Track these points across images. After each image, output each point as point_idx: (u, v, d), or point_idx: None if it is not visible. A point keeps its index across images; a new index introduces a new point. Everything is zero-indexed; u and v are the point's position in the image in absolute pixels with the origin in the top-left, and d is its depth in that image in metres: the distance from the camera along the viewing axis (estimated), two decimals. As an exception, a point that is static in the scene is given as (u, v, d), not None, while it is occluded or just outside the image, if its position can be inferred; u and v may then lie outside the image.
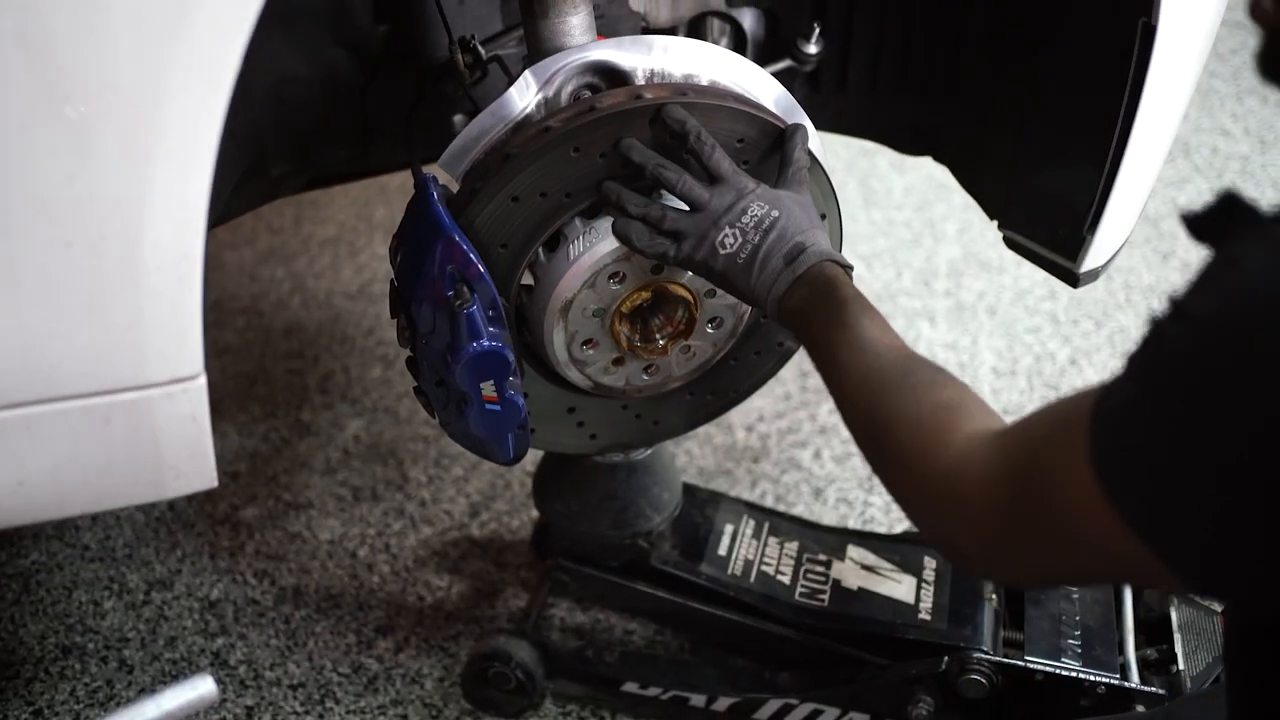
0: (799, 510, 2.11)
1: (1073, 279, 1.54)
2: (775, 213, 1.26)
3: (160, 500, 1.19)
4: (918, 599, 1.66)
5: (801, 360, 2.47)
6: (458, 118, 1.62)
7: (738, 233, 1.25)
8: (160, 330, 1.03)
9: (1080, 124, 1.46)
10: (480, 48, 1.53)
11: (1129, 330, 2.57)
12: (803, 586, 1.70)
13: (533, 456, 1.87)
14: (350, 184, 1.83)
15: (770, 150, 1.37)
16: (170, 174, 0.96)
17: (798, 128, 1.36)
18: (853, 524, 2.09)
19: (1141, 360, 0.81)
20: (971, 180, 1.70)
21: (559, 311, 1.37)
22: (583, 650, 1.73)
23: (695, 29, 1.80)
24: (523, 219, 1.33)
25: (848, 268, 1.25)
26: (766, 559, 1.73)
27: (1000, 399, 2.39)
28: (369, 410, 2.33)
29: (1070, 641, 1.58)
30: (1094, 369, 2.47)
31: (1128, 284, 2.72)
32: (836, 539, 1.78)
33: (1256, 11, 0.89)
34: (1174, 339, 0.79)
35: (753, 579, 1.70)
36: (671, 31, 1.79)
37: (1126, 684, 1.53)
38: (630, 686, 1.68)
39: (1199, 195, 3.03)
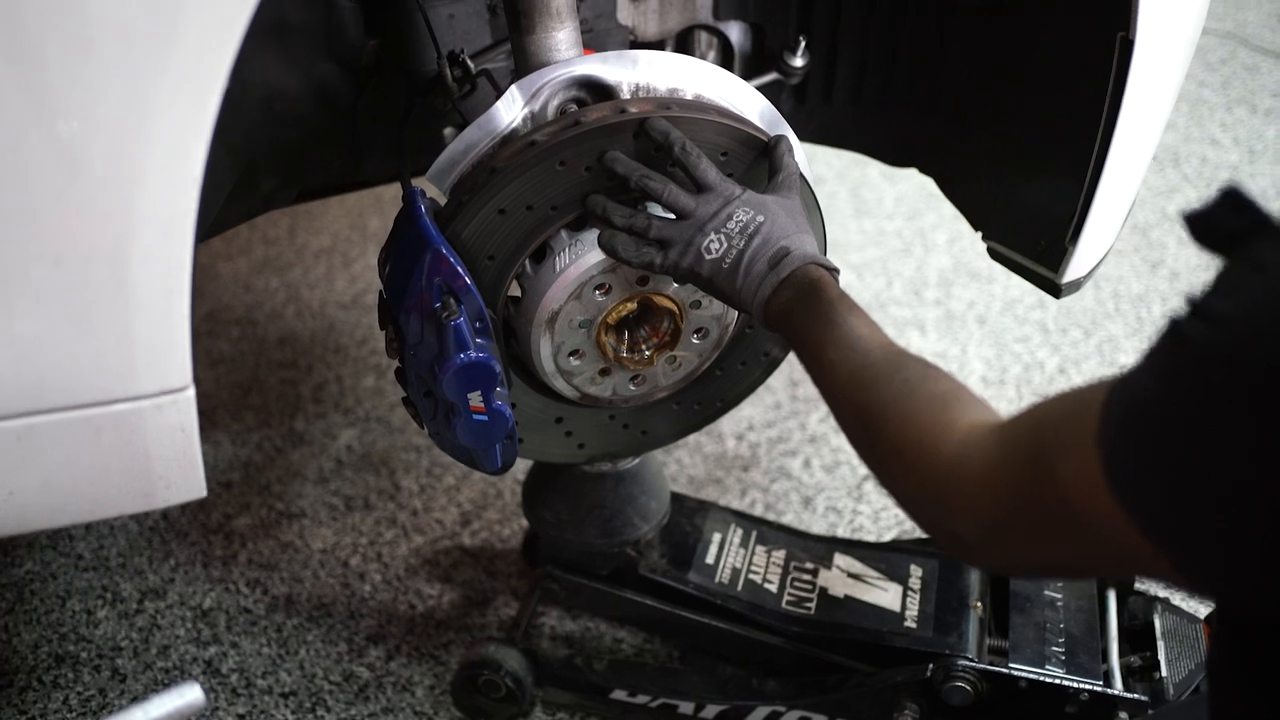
0: (788, 519, 2.13)
1: (1055, 290, 1.56)
2: (760, 218, 1.27)
3: (150, 510, 1.20)
4: (903, 607, 1.68)
5: (791, 370, 2.49)
6: (448, 130, 1.63)
7: (723, 238, 1.26)
8: (149, 343, 1.04)
9: (1061, 136, 1.48)
10: (469, 61, 1.55)
11: (1118, 339, 2.59)
12: (789, 594, 1.71)
13: (523, 465, 1.88)
14: (344, 195, 1.85)
15: (755, 161, 1.38)
16: (158, 190, 0.97)
17: (781, 137, 1.37)
18: (841, 532, 2.11)
19: (1162, 356, 0.80)
20: (955, 191, 1.71)
21: (546, 323, 1.38)
22: (571, 658, 1.75)
23: (683, 42, 1.83)
24: (509, 231, 1.34)
25: (833, 270, 1.26)
26: (754, 567, 1.75)
27: (989, 407, 2.40)
28: (362, 420, 2.35)
29: (1054, 649, 1.60)
30: (1082, 377, 2.48)
31: (1116, 293, 2.74)
32: (824, 547, 1.79)
33: None
34: (1198, 339, 0.78)
35: (740, 587, 1.71)
36: (660, 44, 1.81)
37: (1110, 691, 1.55)
38: (619, 694, 1.69)
39: (1187, 204, 3.05)
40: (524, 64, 1.41)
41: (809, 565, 1.75)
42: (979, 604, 1.67)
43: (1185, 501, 0.79)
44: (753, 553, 1.77)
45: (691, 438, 2.30)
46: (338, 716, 1.78)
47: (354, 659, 1.87)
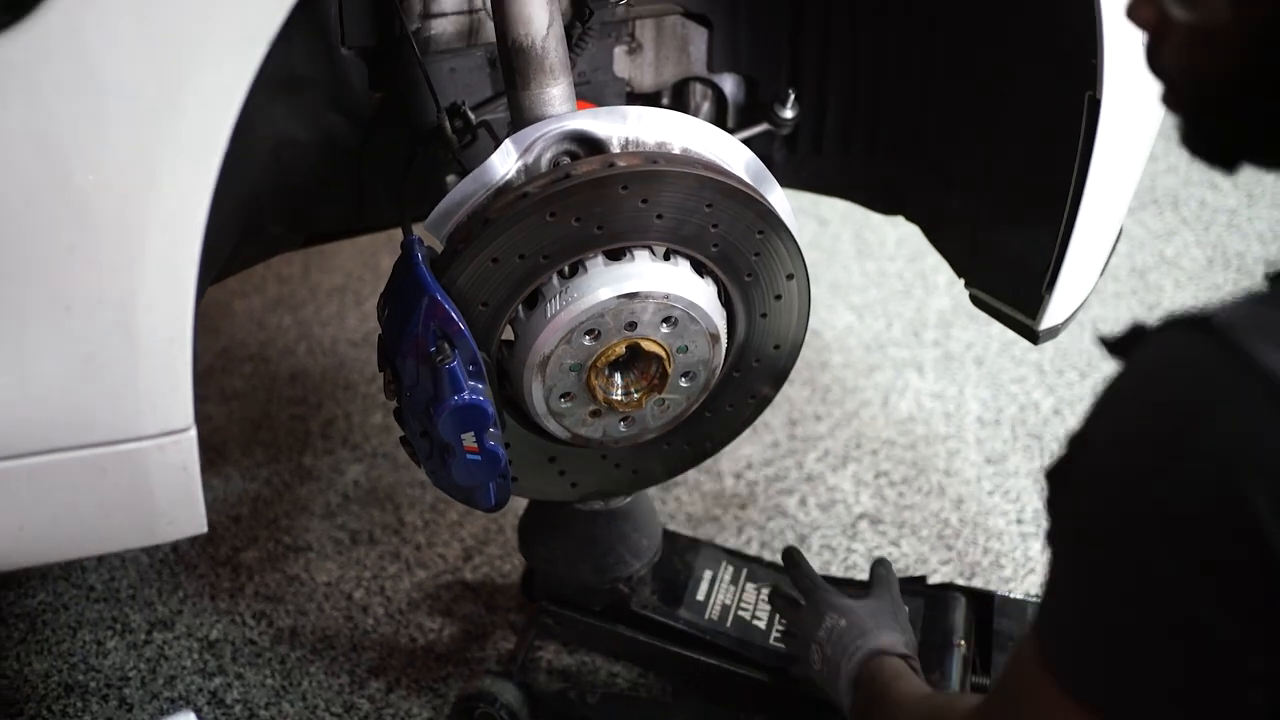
0: (783, 556, 2.17)
1: (1033, 336, 1.61)
2: (842, 622, 1.48)
3: (152, 545, 1.26)
4: (889, 644, 1.71)
5: (790, 410, 2.54)
6: (450, 178, 1.70)
7: (816, 648, 1.48)
8: (153, 386, 1.10)
9: (1035, 189, 1.54)
10: (470, 113, 1.61)
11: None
12: (777, 630, 1.75)
13: (522, 502, 1.93)
14: (372, 234, 1.92)
15: (739, 213, 1.43)
16: (162, 244, 1.04)
17: (883, 561, 1.64)
18: (835, 570, 2.15)
19: (1051, 532, 0.88)
20: (939, 239, 1.77)
21: (538, 366, 1.44)
22: (565, 692, 1.79)
23: (679, 94, 1.89)
24: (502, 279, 1.40)
25: (902, 655, 1.42)
26: (743, 604, 1.79)
27: (985, 448, 2.44)
28: (369, 456, 2.41)
29: (1035, 686, 1.63)
30: (1076, 418, 2.52)
31: (1113, 335, 2.77)
32: (812, 585, 1.83)
33: (1135, 13, 0.93)
34: (1068, 495, 0.85)
35: (729, 623, 1.76)
36: (656, 96, 1.87)
37: (1089, 728, 1.58)
38: (611, 727, 1.73)
39: (1185, 248, 3.09)
40: (519, 118, 1.48)
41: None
42: (963, 642, 1.71)
43: (1123, 668, 0.82)
44: (743, 590, 1.81)
45: (690, 476, 2.35)
46: (338, 746, 1.83)
47: (355, 691, 1.92)
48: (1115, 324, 2.80)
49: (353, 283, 2.95)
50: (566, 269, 1.42)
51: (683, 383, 1.51)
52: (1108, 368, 2.63)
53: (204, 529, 1.23)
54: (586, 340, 1.43)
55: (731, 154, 1.50)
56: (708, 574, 1.83)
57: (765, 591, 1.82)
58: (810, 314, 1.57)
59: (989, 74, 1.57)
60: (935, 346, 2.75)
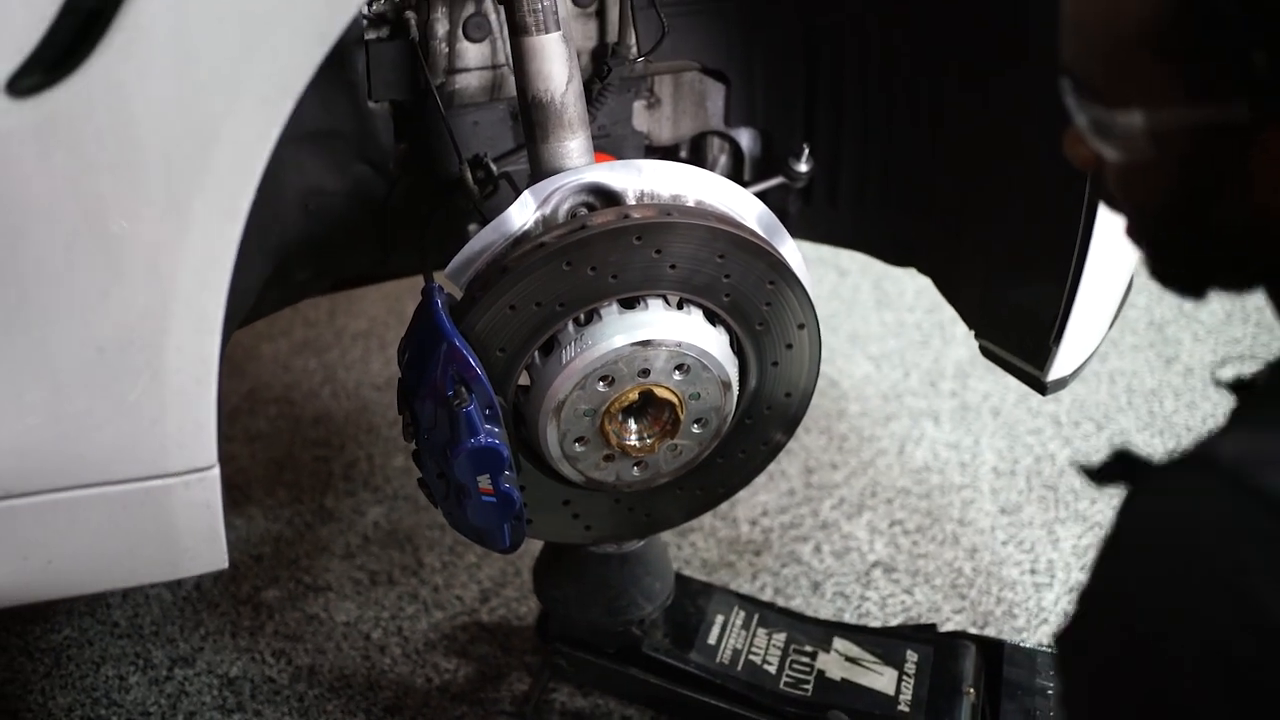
0: (797, 603, 2.19)
1: (1041, 387, 1.63)
2: None
3: (175, 579, 1.30)
4: (898, 691, 1.73)
5: (807, 458, 2.56)
6: (472, 227, 1.75)
7: None
8: (179, 426, 1.15)
9: (1042, 244, 1.57)
10: (492, 165, 1.67)
11: (1129, 433, 2.64)
12: (788, 676, 1.77)
13: (538, 546, 1.96)
14: (396, 280, 1.97)
15: (750, 264, 1.47)
16: (190, 289, 1.09)
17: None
18: (848, 617, 2.16)
19: (1064, 695, 0.83)
20: (950, 291, 1.80)
21: (553, 411, 1.48)
22: (578, 733, 1.81)
23: (696, 148, 1.94)
24: (519, 325, 1.44)
25: None
26: (754, 649, 1.81)
27: (1000, 498, 2.46)
28: (389, 498, 2.44)
29: (1044, 736, 1.64)
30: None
31: (1130, 387, 2.79)
32: (823, 631, 1.85)
33: (1070, 153, 0.96)
34: (1083, 658, 0.80)
35: (740, 667, 1.78)
36: (674, 149, 1.92)
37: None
38: (622, 770, 1.75)
39: (1205, 302, 3.11)
40: (538, 170, 1.52)
41: (808, 648, 1.81)
42: (972, 690, 1.72)
43: None
44: (754, 634, 1.83)
45: (706, 521, 2.37)
46: (352, 785, 1.85)
47: (371, 729, 1.94)
48: (1132, 376, 2.82)
49: (377, 327, 3.00)
50: (582, 316, 1.46)
51: (695, 429, 1.54)
52: (1125, 420, 2.65)
53: (225, 564, 1.26)
54: (601, 386, 1.47)
55: (744, 206, 1.54)
56: (720, 618, 1.85)
57: (778, 636, 1.84)
58: (821, 363, 1.60)
59: (996, 130, 1.61)
60: (952, 397, 2.77)
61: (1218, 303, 3.10)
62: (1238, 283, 0.93)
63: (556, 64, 1.47)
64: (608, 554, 1.73)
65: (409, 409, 1.47)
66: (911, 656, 1.79)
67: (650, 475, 1.58)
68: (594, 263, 1.42)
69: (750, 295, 1.50)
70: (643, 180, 1.49)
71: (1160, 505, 0.79)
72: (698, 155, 1.94)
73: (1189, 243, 0.91)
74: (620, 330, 1.45)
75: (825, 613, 2.16)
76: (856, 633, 1.85)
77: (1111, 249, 1.52)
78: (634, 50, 1.71)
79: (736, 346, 1.54)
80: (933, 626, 1.91)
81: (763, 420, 1.62)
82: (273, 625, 2.14)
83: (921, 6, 1.71)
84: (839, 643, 1.82)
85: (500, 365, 1.46)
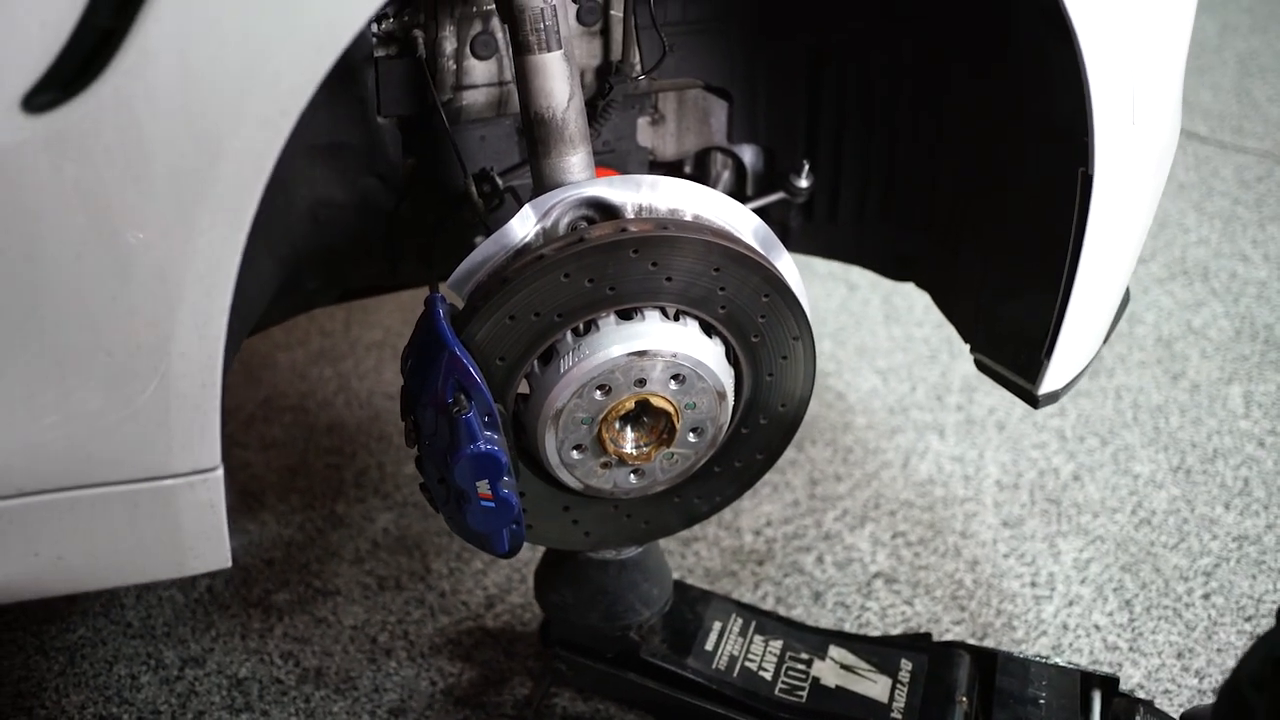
0: (798, 612, 2.21)
1: (1033, 400, 1.66)
2: None
3: (180, 577, 1.34)
4: (891, 699, 1.76)
5: (812, 470, 2.59)
6: (477, 240, 1.79)
7: None
8: (184, 428, 1.19)
9: (1034, 258, 1.60)
10: (498, 179, 1.71)
11: (1134, 448, 2.66)
12: (783, 683, 1.80)
13: (542, 552, 1.99)
14: (398, 291, 2.01)
15: (745, 277, 1.51)
16: (196, 296, 1.13)
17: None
18: (849, 627, 2.19)
19: None
20: (946, 305, 1.83)
21: (551, 418, 1.51)
22: (577, 737, 1.84)
23: (700, 163, 1.98)
24: (519, 335, 1.48)
25: None
26: (750, 655, 1.84)
27: (1002, 511, 2.48)
28: (399, 505, 2.48)
29: (1035, 745, 1.67)
30: (1095, 485, 2.55)
31: (1136, 403, 2.81)
32: (820, 639, 1.88)
33: None
34: None
35: (736, 673, 1.80)
36: (678, 165, 1.96)
37: (1086, 788, 1.61)
38: (619, 773, 1.78)
39: (1214, 319, 3.12)
40: (540, 184, 1.56)
41: (804, 655, 1.84)
42: (964, 699, 1.74)
43: None
44: (750, 641, 1.86)
45: (710, 531, 2.40)
46: (356, 784, 1.89)
47: (376, 731, 1.98)
48: (1138, 392, 2.83)
49: (392, 338, 3.05)
50: (580, 327, 1.50)
51: (690, 438, 1.58)
52: (1130, 436, 2.66)
53: (228, 564, 1.30)
54: (598, 395, 1.50)
55: (741, 221, 1.57)
56: (717, 625, 1.88)
57: (774, 644, 1.87)
58: (816, 375, 1.63)
59: (991, 148, 1.64)
60: (958, 411, 2.80)
61: (1226, 320, 3.11)
62: None
63: (558, 81, 1.51)
64: (606, 560, 1.77)
65: (411, 415, 1.51)
66: (906, 665, 1.81)
67: (647, 483, 1.61)
68: (592, 274, 1.46)
69: (745, 308, 1.53)
70: (641, 195, 1.52)
71: None
72: (701, 171, 1.98)
73: None
74: (617, 340, 1.48)
75: (826, 622, 2.18)
76: (852, 641, 1.88)
77: (1103, 264, 1.55)
78: (637, 68, 1.75)
79: (732, 358, 1.58)
80: (928, 635, 1.94)
81: (758, 431, 1.66)
82: (282, 628, 2.18)
83: (918, 27, 1.75)
84: (834, 650, 1.85)
85: (500, 374, 1.50)
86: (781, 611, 2.19)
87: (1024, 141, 1.59)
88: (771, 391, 1.62)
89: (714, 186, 1.96)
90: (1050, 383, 1.64)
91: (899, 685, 1.78)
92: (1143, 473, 2.59)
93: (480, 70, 1.70)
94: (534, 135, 1.54)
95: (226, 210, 1.10)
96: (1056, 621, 2.21)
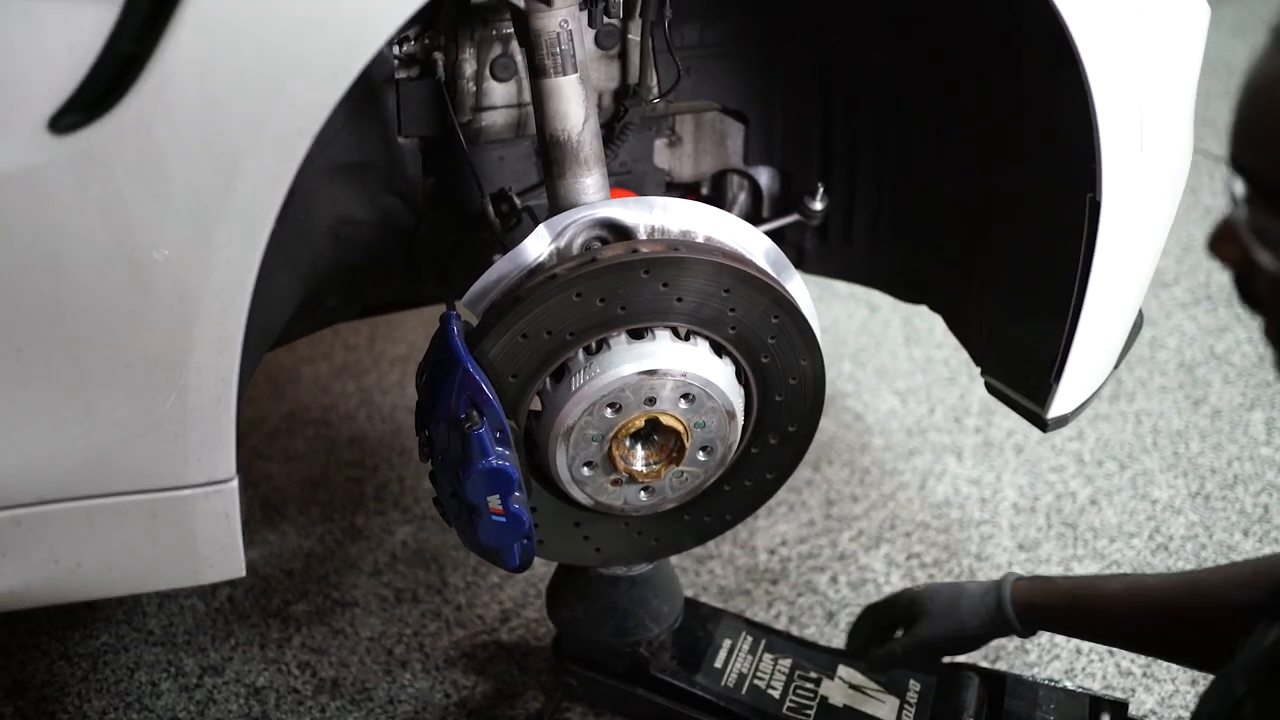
0: (811, 632, 2.22)
1: (1042, 424, 1.67)
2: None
3: (195, 585, 1.37)
4: (899, 719, 1.76)
5: (828, 490, 2.60)
6: (495, 258, 1.82)
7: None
8: (200, 439, 1.22)
9: (1044, 283, 1.61)
10: (516, 199, 1.74)
11: (1152, 473, 2.65)
12: (791, 701, 1.81)
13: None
14: (420, 308, 2.05)
15: (754, 299, 1.53)
16: (213, 312, 1.16)
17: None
18: (861, 647, 2.19)
19: None
20: (958, 328, 1.85)
21: (562, 435, 1.54)
22: (587, 751, 1.86)
23: (717, 185, 2.00)
24: (531, 353, 1.51)
25: None
26: (759, 673, 1.85)
27: (1018, 534, 2.48)
28: (418, 518, 2.51)
29: (1042, 767, 1.67)
30: (1113, 509, 2.54)
31: (1156, 428, 2.80)
32: (829, 658, 1.89)
33: (1219, 249, 0.92)
34: None
35: (744, 691, 1.82)
36: (695, 186, 1.99)
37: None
38: (629, 788, 1.80)
39: (1237, 344, 3.11)
40: (555, 205, 1.59)
41: (813, 674, 1.85)
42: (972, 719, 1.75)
43: None
44: (760, 659, 1.88)
45: (724, 549, 2.42)
46: (369, 794, 1.91)
47: (389, 742, 2.00)
48: (1159, 417, 2.83)
49: (415, 353, 3.08)
50: (592, 345, 1.52)
51: (700, 456, 1.60)
52: (1149, 461, 2.66)
53: (242, 573, 1.33)
54: (608, 413, 1.53)
55: (752, 243, 1.60)
56: (727, 642, 1.89)
57: (783, 662, 1.88)
58: (825, 396, 1.64)
59: (1001, 172, 1.66)
60: (976, 433, 2.80)
61: (1250, 345, 3.10)
62: None
63: (574, 104, 1.54)
64: (617, 576, 1.78)
65: (426, 430, 1.54)
66: (914, 686, 1.82)
67: (657, 500, 1.63)
68: (603, 294, 1.48)
69: (755, 328, 1.55)
70: (654, 216, 1.55)
71: None
72: (718, 193, 2.00)
73: None
74: (628, 359, 1.51)
75: (838, 642, 2.19)
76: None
77: (1113, 289, 1.56)
78: (654, 91, 1.78)
79: (742, 378, 1.60)
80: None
81: (768, 450, 1.67)
82: (300, 638, 2.21)
83: (929, 51, 1.77)
84: (843, 670, 1.86)
85: (513, 390, 1.52)
86: (794, 631, 2.20)
87: (1033, 167, 1.61)
88: (781, 412, 1.64)
89: (730, 208, 1.99)
90: (1059, 407, 1.65)
91: (906, 706, 1.79)
92: (1161, 498, 2.58)
93: (500, 92, 1.73)
94: (549, 157, 1.58)
95: (243, 228, 1.14)
96: (1070, 645, 2.21)
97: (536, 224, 1.64)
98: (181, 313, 1.15)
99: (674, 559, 2.10)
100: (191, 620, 2.24)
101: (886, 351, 3.12)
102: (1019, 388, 1.70)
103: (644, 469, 1.59)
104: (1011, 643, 2.21)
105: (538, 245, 1.53)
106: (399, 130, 1.69)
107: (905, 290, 1.96)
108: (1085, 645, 2.21)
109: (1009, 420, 2.82)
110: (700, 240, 1.56)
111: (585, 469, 1.57)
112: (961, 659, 2.14)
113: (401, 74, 1.66)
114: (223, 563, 1.31)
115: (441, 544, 2.44)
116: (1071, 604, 1.48)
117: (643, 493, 1.62)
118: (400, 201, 1.76)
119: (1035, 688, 1.81)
